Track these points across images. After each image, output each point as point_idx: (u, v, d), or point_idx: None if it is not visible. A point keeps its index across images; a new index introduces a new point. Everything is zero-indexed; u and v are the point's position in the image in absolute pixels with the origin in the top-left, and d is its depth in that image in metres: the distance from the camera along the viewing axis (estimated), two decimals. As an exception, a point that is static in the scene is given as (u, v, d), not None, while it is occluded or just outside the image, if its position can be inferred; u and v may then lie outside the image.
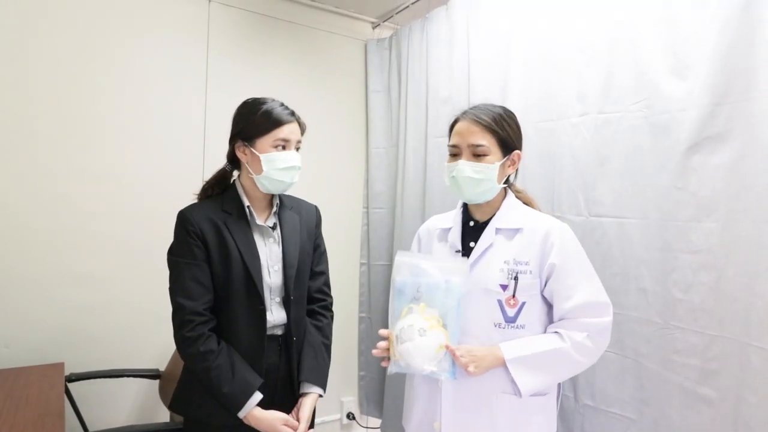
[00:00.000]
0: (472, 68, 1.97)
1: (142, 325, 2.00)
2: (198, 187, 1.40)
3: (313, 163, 2.50)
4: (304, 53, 2.48)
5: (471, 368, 1.11)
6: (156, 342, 2.02)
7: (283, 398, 1.33)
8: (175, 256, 1.27)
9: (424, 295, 1.14)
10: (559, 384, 1.29)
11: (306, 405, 1.32)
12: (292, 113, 1.34)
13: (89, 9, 1.95)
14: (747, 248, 1.18)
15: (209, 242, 1.26)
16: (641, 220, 1.40)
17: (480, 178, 1.21)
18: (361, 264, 2.66)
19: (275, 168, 1.28)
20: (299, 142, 1.35)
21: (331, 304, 1.49)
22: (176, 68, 2.13)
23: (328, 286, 1.50)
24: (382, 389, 2.51)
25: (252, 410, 1.22)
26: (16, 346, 1.82)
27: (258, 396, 1.24)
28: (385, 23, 2.63)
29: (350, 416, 2.64)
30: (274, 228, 1.36)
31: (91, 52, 1.96)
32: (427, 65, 2.24)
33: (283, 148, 1.30)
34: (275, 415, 1.25)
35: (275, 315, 1.31)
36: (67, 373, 1.76)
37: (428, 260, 1.20)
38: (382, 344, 1.19)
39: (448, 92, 2.10)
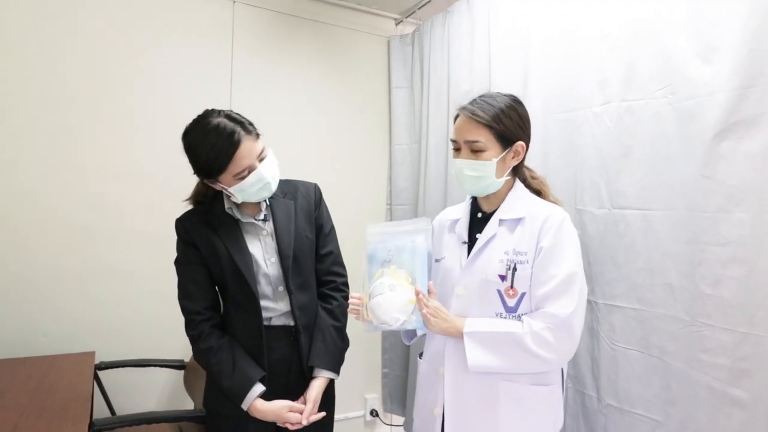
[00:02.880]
0: (492, 60, 1.94)
1: (170, 317, 2.05)
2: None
3: (337, 161, 2.53)
4: (328, 51, 2.50)
5: (431, 321, 1.15)
6: (182, 334, 2.07)
7: (297, 388, 1.33)
8: (176, 261, 1.34)
9: (394, 257, 1.20)
10: (562, 375, 1.26)
11: (313, 387, 1.32)
12: (238, 132, 1.20)
13: (119, 12, 2.03)
14: (780, 240, 1.10)
15: (200, 245, 1.29)
16: (667, 211, 1.33)
17: (477, 175, 1.21)
18: (385, 261, 2.65)
19: (249, 193, 1.26)
20: (261, 152, 1.25)
21: (344, 283, 1.46)
22: (202, 68, 2.20)
23: (339, 264, 1.47)
24: (405, 387, 2.50)
25: (254, 402, 1.24)
26: (53, 335, 1.91)
27: (258, 388, 1.25)
28: (408, 19, 2.63)
29: (374, 413, 2.64)
30: (265, 220, 1.35)
31: (121, 53, 2.04)
32: (448, 59, 2.22)
33: (249, 172, 1.22)
34: (279, 404, 1.26)
35: (279, 305, 1.33)
36: (97, 361, 1.84)
37: (394, 226, 1.25)
38: (353, 301, 1.22)
39: (470, 86, 2.07)
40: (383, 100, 2.66)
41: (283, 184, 1.39)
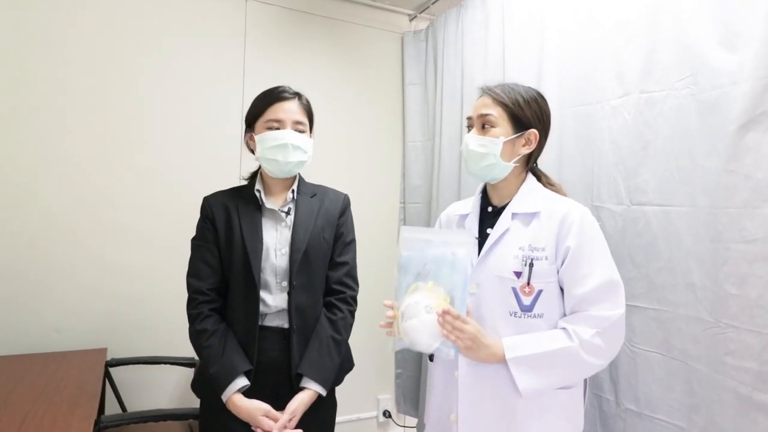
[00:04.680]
0: (506, 54, 1.89)
1: (181, 315, 2.05)
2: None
3: (350, 158, 2.51)
4: (341, 48, 2.48)
5: (464, 351, 1.07)
6: (193, 332, 2.08)
7: (287, 394, 1.26)
8: (193, 239, 1.34)
9: (431, 270, 1.09)
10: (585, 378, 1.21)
11: (296, 399, 1.24)
12: (287, 92, 1.32)
13: (128, 8, 2.04)
14: (811, 236, 1.04)
15: (218, 225, 1.30)
16: (689, 207, 1.27)
17: (483, 152, 1.17)
18: (398, 260, 2.62)
19: (266, 147, 1.27)
20: (299, 122, 1.31)
21: (353, 297, 1.41)
22: (214, 66, 2.20)
23: (352, 277, 1.42)
24: (419, 387, 2.46)
25: (232, 396, 1.20)
26: (66, 332, 1.93)
27: (241, 381, 1.21)
28: (422, 15, 2.59)
29: (387, 414, 2.61)
30: (288, 213, 1.34)
31: (130, 50, 2.04)
32: (462, 54, 2.18)
33: (277, 128, 1.28)
34: (255, 405, 1.21)
35: (277, 300, 1.29)
36: (108, 358, 1.85)
37: (433, 234, 1.15)
38: (389, 314, 1.10)
39: (483, 80, 2.02)
40: (397, 98, 2.63)
41: (314, 187, 1.43)
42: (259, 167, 1.40)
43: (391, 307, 1.11)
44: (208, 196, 1.37)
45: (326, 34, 2.45)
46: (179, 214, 2.07)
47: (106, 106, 2.01)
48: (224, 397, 1.20)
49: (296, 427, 1.23)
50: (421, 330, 1.04)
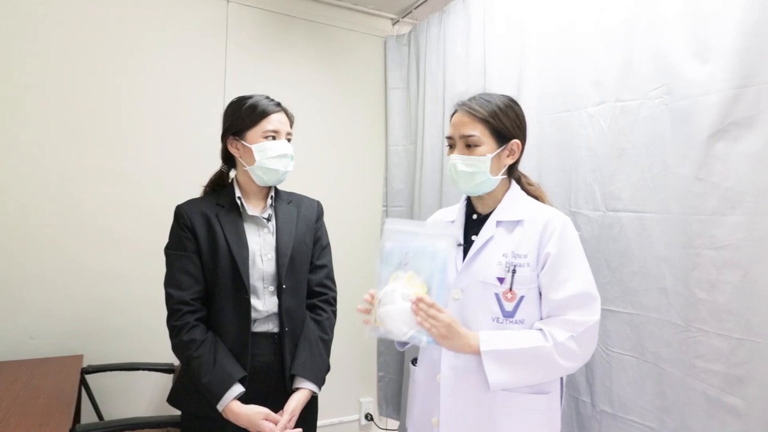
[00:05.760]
0: (488, 61, 1.92)
1: (159, 320, 2.02)
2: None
3: (333, 162, 2.51)
4: (324, 51, 2.48)
5: (439, 338, 1.07)
6: (173, 337, 2.06)
7: (278, 397, 1.29)
8: (168, 248, 1.31)
9: (411, 261, 1.10)
10: (562, 383, 1.24)
11: (293, 399, 1.28)
12: (278, 104, 1.35)
13: (111, 11, 2.01)
14: (776, 244, 1.07)
15: (199, 234, 1.29)
16: (662, 214, 1.31)
17: (472, 171, 1.18)
18: (380, 263, 2.63)
19: (267, 157, 1.29)
20: (289, 133, 1.36)
21: (334, 298, 1.46)
22: (194, 68, 2.17)
23: (331, 279, 1.47)
24: (401, 390, 2.47)
25: (230, 404, 1.20)
26: (41, 338, 1.89)
27: (237, 389, 1.22)
28: (405, 19, 2.61)
29: (368, 417, 2.61)
30: (269, 219, 1.36)
31: (109, 51, 2.01)
32: (444, 60, 2.20)
33: (273, 138, 1.31)
34: (255, 410, 1.22)
35: (267, 305, 1.30)
36: (85, 364, 1.82)
37: (415, 226, 1.16)
38: (366, 298, 1.11)
39: (465, 86, 2.05)
40: (379, 101, 2.64)
41: (287, 194, 1.45)
42: (220, 173, 1.41)
43: (372, 297, 1.11)
44: (182, 205, 1.34)
45: (309, 37, 2.45)
46: (157, 217, 2.03)
47: (84, 108, 1.97)
48: (221, 405, 1.20)
49: (294, 427, 1.26)
50: (395, 316, 1.06)
